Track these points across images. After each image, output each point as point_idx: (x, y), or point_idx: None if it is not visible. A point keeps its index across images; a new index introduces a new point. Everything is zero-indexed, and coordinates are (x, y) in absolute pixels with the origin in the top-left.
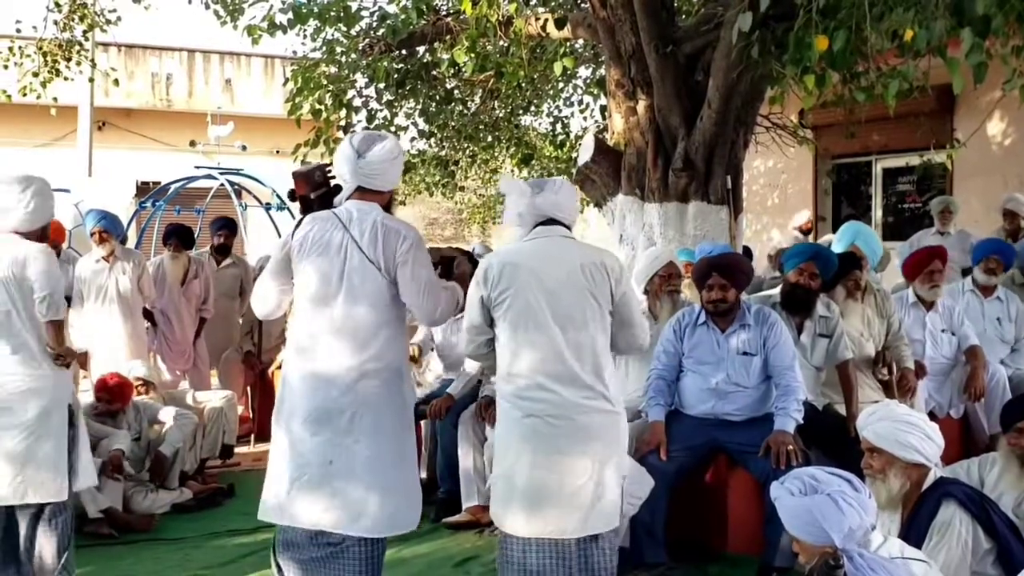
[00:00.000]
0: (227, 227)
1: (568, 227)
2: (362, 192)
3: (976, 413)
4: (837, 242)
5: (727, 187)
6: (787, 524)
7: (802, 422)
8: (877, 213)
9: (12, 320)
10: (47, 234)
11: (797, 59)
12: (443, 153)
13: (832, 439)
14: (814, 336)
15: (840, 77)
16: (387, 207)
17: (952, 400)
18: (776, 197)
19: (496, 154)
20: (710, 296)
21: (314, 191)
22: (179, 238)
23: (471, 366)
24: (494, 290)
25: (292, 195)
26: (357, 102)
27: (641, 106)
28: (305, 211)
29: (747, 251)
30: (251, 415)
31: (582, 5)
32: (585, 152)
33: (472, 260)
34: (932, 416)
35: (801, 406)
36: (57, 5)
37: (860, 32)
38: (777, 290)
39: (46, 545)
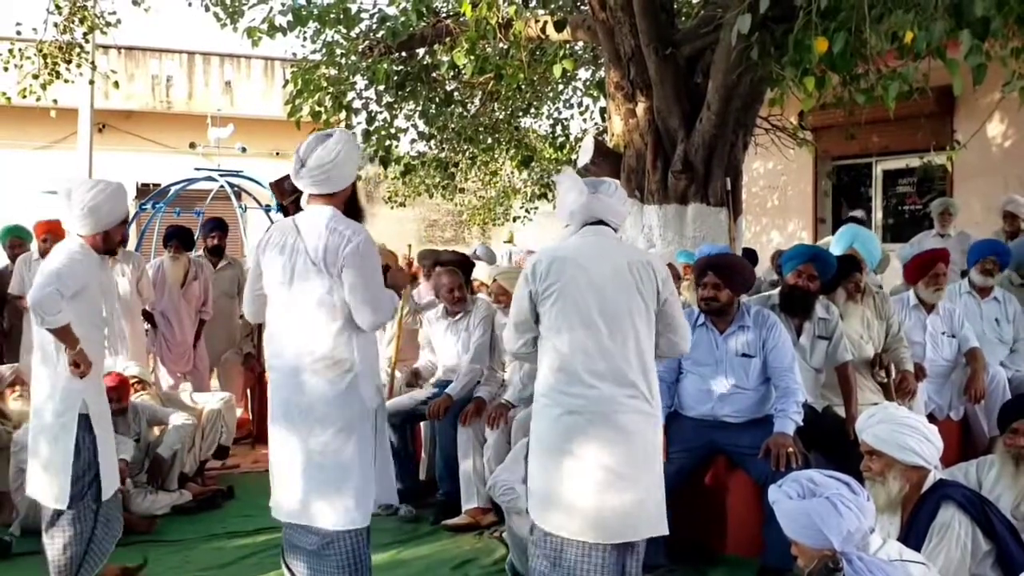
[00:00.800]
0: (219, 228)
1: (615, 230)
2: (313, 196)
3: (976, 415)
4: (835, 245)
5: (726, 189)
6: (785, 527)
7: (802, 424)
8: (877, 215)
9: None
10: (107, 241)
11: (796, 61)
12: (443, 155)
13: (831, 441)
14: (813, 338)
15: (840, 79)
16: (350, 201)
17: (952, 402)
18: (776, 199)
19: (496, 156)
20: (703, 294)
21: (285, 199)
22: (180, 240)
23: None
24: (541, 284)
25: (276, 203)
26: (357, 104)
27: (640, 108)
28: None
29: (751, 254)
30: (250, 417)
31: (581, 7)
32: (585, 154)
33: (469, 263)
34: (932, 418)
35: (800, 408)
36: (57, 7)
37: (860, 34)
38: (776, 292)
39: (47, 549)
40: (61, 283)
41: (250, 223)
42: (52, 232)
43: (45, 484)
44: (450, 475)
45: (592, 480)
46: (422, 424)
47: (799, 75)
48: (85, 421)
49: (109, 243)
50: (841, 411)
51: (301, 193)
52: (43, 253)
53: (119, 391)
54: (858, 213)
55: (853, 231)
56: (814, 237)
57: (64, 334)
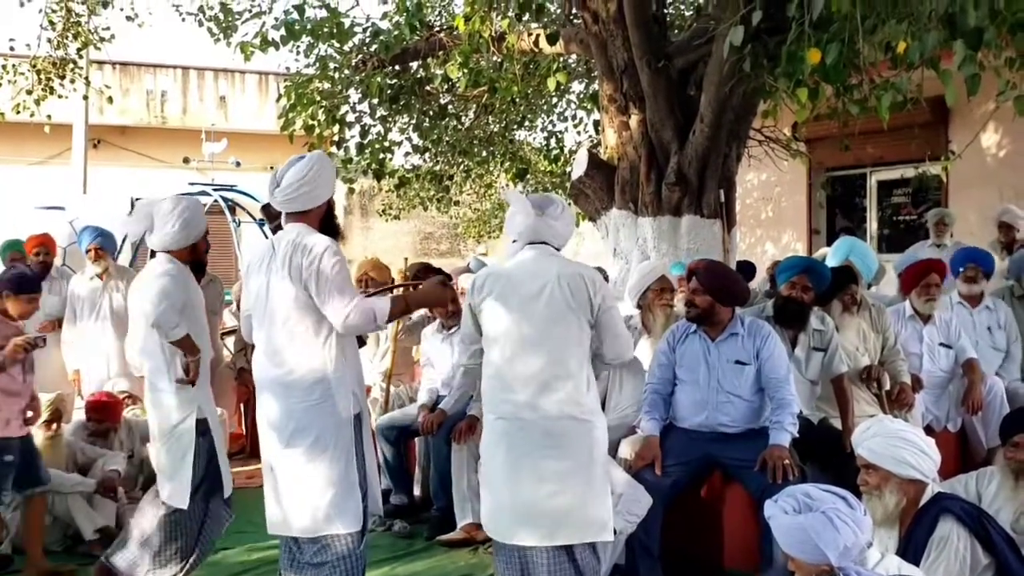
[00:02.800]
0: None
1: (557, 248)
2: (288, 215)
3: (974, 426)
4: (831, 256)
5: (720, 201)
6: (782, 542)
7: (797, 436)
8: (872, 225)
9: None
10: (195, 253)
11: (790, 72)
12: (437, 168)
13: (828, 454)
14: (809, 350)
15: (833, 90)
16: (325, 219)
17: (949, 413)
18: (770, 210)
19: (491, 169)
20: (685, 298)
21: (272, 221)
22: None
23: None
24: (477, 296)
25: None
26: (350, 117)
27: (634, 120)
28: None
29: (749, 266)
30: (243, 431)
31: (574, 21)
32: (578, 167)
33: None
34: (929, 430)
35: (796, 420)
36: (51, 23)
37: (852, 45)
38: (770, 303)
39: (153, 542)
40: (171, 298)
41: (244, 237)
42: (44, 246)
43: (165, 485)
44: (444, 490)
45: (519, 483)
46: (416, 439)
47: (792, 86)
48: (202, 425)
49: (196, 255)
50: (837, 423)
51: None
52: (36, 267)
53: (110, 408)
54: (845, 224)
55: (849, 243)
56: (808, 249)
57: (186, 345)
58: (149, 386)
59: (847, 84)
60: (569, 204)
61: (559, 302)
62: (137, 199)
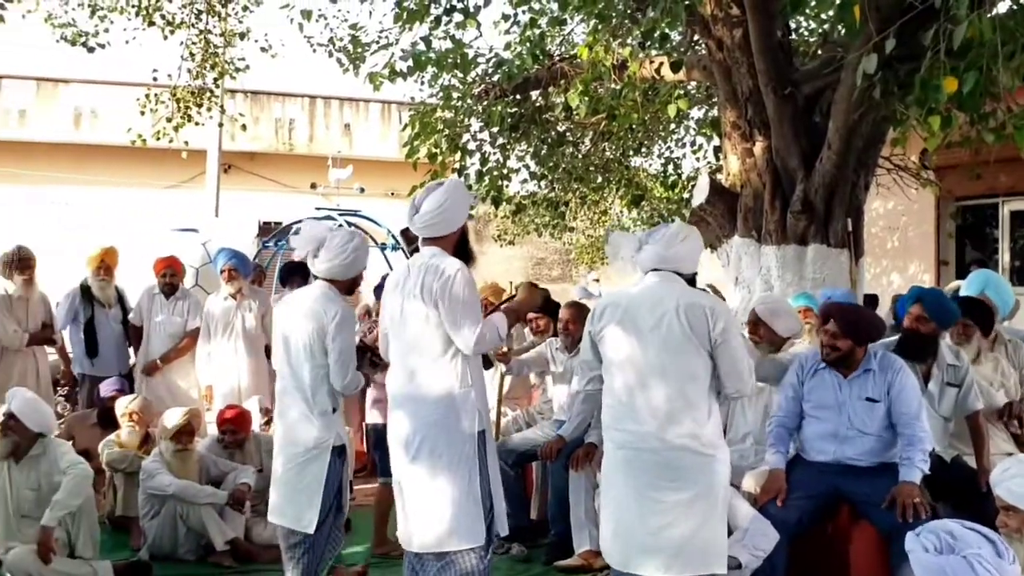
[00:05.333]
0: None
1: (679, 273)
2: (425, 240)
3: None
4: (965, 289)
5: (848, 230)
6: None
7: (929, 473)
8: (1005, 257)
9: None
10: (351, 287)
11: (922, 100)
12: (553, 195)
13: (962, 493)
14: (942, 385)
15: (967, 118)
16: (460, 243)
17: None
18: (896, 240)
19: (606, 195)
20: (823, 340)
21: (410, 245)
22: (303, 277)
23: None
24: (596, 325)
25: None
26: (471, 145)
27: (758, 147)
28: None
29: (872, 298)
30: (366, 450)
31: (698, 48)
32: (700, 193)
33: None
34: None
35: (927, 457)
36: (191, 54)
37: (989, 72)
38: (895, 338)
39: (288, 569)
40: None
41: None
42: (172, 267)
43: (295, 509)
44: (562, 516)
45: (638, 512)
46: (533, 464)
47: (924, 114)
48: (339, 451)
49: (351, 288)
50: (971, 461)
51: None
52: (163, 288)
53: (240, 422)
54: (977, 256)
55: (984, 275)
56: (936, 280)
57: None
58: (285, 404)
59: (983, 112)
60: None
61: (677, 333)
62: (265, 223)
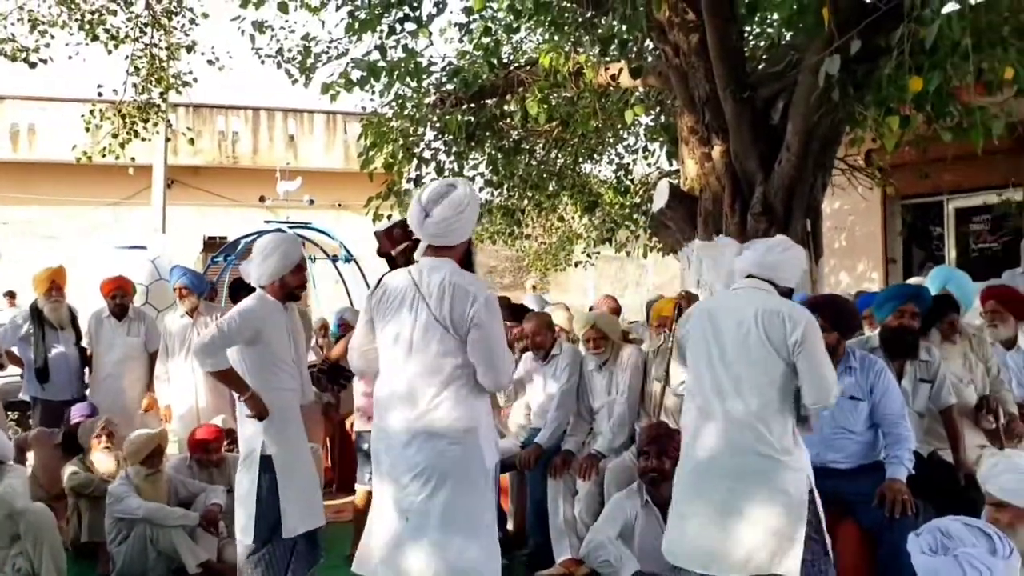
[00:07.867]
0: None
1: (775, 284)
2: (433, 248)
3: None
4: (928, 285)
5: (807, 230)
6: None
7: (913, 472)
8: (950, 253)
9: None
10: (284, 287)
11: (881, 100)
12: (509, 202)
13: (941, 487)
14: (915, 381)
15: (924, 117)
16: (466, 254)
17: None
18: (843, 239)
19: (558, 203)
20: None
21: (395, 248)
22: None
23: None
24: (683, 329)
25: (378, 252)
26: (426, 154)
27: (716, 151)
28: (392, 268)
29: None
30: (331, 466)
31: (654, 54)
32: (659, 198)
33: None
34: None
35: (912, 455)
36: (136, 69)
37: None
38: (874, 334)
39: None
40: (222, 335)
41: (318, 274)
42: (121, 289)
43: (238, 518)
44: (540, 525)
45: (712, 516)
46: (507, 475)
47: (883, 114)
48: (267, 462)
49: (286, 288)
50: (947, 455)
51: (411, 243)
52: (113, 310)
53: (214, 443)
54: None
55: (946, 272)
56: (885, 278)
57: (225, 378)
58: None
59: (946, 111)
60: (638, 237)
61: (755, 341)
62: (210, 238)
